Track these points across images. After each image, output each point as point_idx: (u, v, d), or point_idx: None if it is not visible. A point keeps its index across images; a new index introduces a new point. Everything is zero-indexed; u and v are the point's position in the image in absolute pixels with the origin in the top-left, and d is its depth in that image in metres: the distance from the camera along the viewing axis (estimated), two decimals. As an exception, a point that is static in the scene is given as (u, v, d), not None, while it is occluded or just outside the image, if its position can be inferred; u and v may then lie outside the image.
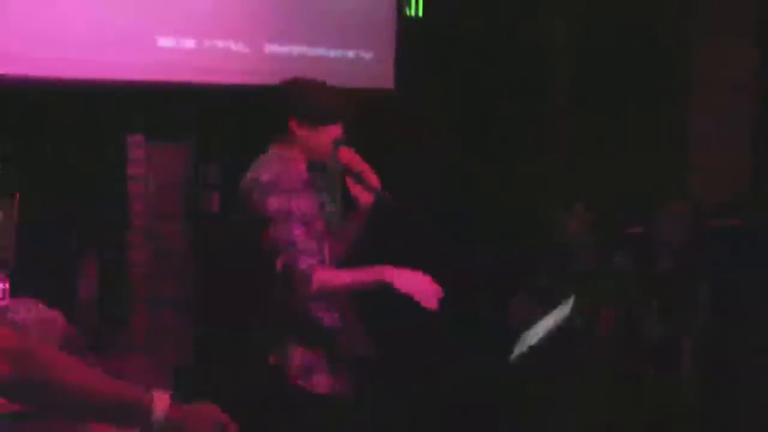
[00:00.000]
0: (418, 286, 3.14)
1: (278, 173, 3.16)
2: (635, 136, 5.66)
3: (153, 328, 4.68)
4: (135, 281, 4.65)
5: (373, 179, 3.31)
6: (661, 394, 4.14)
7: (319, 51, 4.96)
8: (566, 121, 5.86)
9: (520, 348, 3.47)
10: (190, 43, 4.59)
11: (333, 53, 5.02)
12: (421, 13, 5.47)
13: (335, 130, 3.29)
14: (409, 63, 5.32)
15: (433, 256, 5.21)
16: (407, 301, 3.10)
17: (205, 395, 2.01)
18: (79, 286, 4.48)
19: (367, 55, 5.17)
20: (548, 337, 3.41)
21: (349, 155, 3.31)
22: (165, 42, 4.52)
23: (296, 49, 4.88)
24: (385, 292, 3.11)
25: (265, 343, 3.21)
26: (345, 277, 3.14)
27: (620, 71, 5.63)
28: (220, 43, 4.67)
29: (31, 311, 3.48)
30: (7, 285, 3.44)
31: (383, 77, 5.23)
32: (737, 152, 5.40)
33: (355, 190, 3.31)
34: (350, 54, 5.10)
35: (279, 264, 3.06)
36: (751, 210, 5.08)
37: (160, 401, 1.91)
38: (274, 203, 3.10)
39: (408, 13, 5.42)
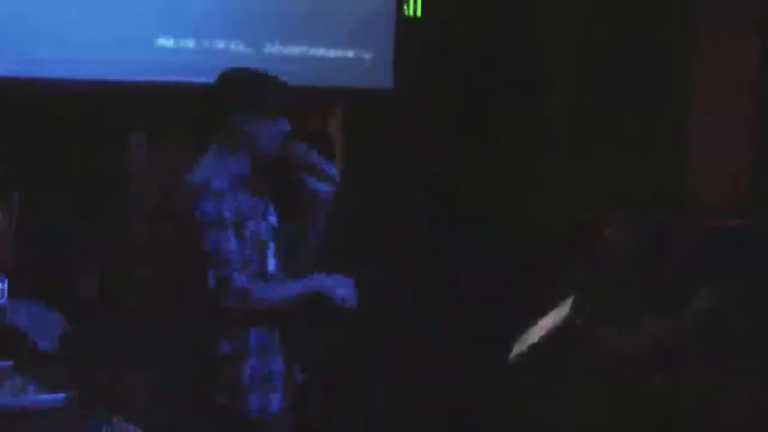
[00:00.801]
0: (352, 292, 3.05)
1: (210, 174, 2.99)
2: (635, 136, 5.66)
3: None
4: (136, 281, 4.66)
5: (329, 170, 3.12)
6: (664, 396, 4.14)
7: (319, 51, 4.96)
8: (565, 121, 5.85)
9: (519, 348, 3.48)
10: (189, 43, 4.59)
11: (332, 53, 5.02)
12: (419, 13, 5.47)
13: (283, 124, 3.08)
14: (408, 63, 5.32)
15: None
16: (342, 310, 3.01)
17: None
18: (79, 287, 4.48)
19: (367, 55, 5.17)
20: (548, 336, 3.41)
21: (300, 149, 3.11)
22: (164, 42, 4.53)
23: (296, 49, 4.89)
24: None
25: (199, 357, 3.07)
26: (282, 291, 3.03)
27: (620, 71, 5.63)
28: (219, 43, 4.68)
29: (31, 312, 3.48)
30: (6, 285, 3.44)
31: (382, 77, 5.24)
32: (738, 152, 5.40)
33: (311, 183, 3.11)
34: (350, 54, 5.10)
35: (211, 278, 2.93)
36: (753, 210, 5.08)
37: None
38: (205, 208, 2.95)
39: (407, 13, 5.42)
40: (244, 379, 3.04)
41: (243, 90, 3.09)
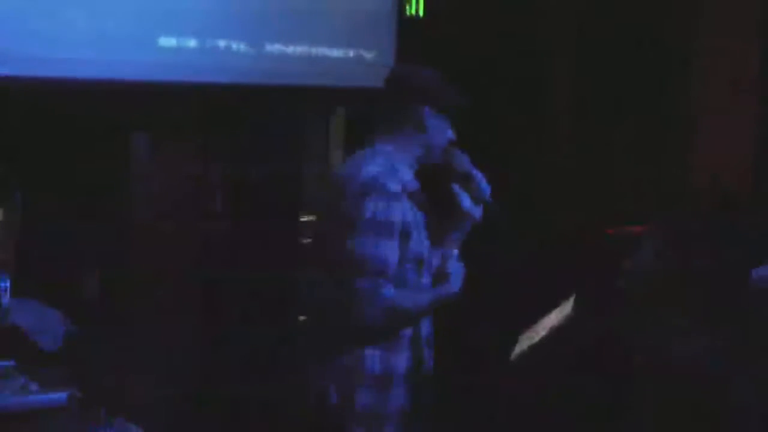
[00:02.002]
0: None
1: (382, 172, 2.66)
2: (636, 137, 5.66)
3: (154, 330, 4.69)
4: (137, 281, 4.66)
5: (485, 189, 2.85)
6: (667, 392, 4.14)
7: (320, 50, 4.96)
8: (567, 120, 5.86)
9: (520, 347, 3.48)
10: (191, 43, 4.60)
11: (333, 53, 5.02)
12: (421, 13, 5.47)
13: (449, 129, 2.84)
14: (410, 63, 5.31)
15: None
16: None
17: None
18: (80, 286, 4.48)
19: (368, 55, 5.17)
20: (549, 336, 3.41)
21: (463, 159, 2.86)
22: (166, 41, 4.53)
23: (297, 49, 4.88)
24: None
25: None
26: (419, 300, 2.69)
27: (621, 72, 5.63)
28: (221, 43, 4.68)
29: (33, 311, 3.48)
30: (9, 284, 3.44)
31: (383, 77, 5.23)
32: (740, 151, 5.40)
33: (465, 203, 2.81)
34: (351, 53, 5.10)
35: (356, 285, 2.57)
36: (753, 209, 5.07)
37: None
38: (376, 208, 2.61)
39: (408, 12, 5.42)
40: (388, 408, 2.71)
41: (433, 83, 2.84)
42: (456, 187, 2.80)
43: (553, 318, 3.49)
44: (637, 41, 5.62)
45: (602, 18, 5.70)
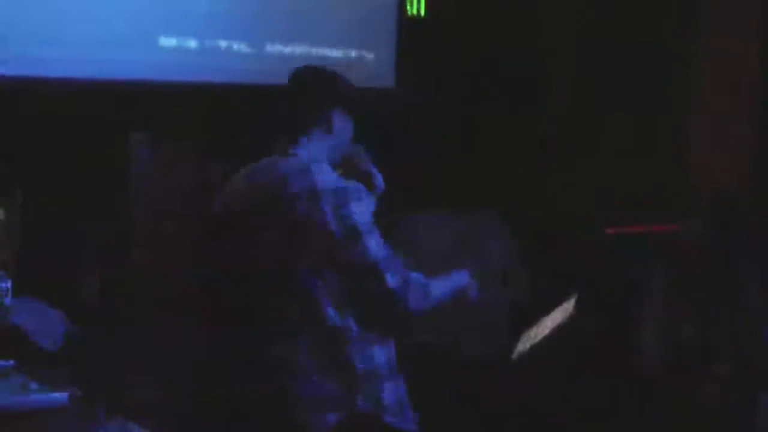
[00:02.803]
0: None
1: (334, 174, 2.80)
2: (636, 137, 5.66)
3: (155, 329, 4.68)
4: (137, 281, 4.65)
5: (379, 182, 3.01)
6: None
7: (321, 50, 4.96)
8: (566, 120, 5.85)
9: (522, 347, 3.47)
10: (191, 43, 4.60)
11: (335, 53, 5.02)
12: (422, 13, 5.47)
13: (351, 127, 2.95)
14: (411, 62, 5.32)
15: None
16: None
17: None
18: (81, 286, 4.48)
19: (369, 55, 5.17)
20: (550, 336, 3.41)
21: (364, 155, 3.01)
22: (166, 41, 4.53)
23: (298, 49, 4.89)
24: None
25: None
26: (445, 288, 2.84)
27: (622, 72, 5.62)
28: (221, 43, 4.68)
29: (33, 311, 3.48)
30: (10, 284, 3.44)
31: (384, 77, 5.24)
32: (739, 152, 5.40)
33: (378, 177, 3.00)
34: (352, 53, 5.10)
35: (391, 281, 2.68)
36: (752, 209, 5.07)
37: None
38: (362, 211, 2.74)
39: (409, 12, 5.42)
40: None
41: (341, 85, 2.94)
42: (371, 167, 2.98)
43: (554, 318, 3.49)
44: (636, 41, 5.62)
45: (602, 18, 5.70)
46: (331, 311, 2.72)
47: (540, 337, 3.45)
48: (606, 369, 4.60)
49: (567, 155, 5.79)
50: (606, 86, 5.66)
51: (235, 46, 4.71)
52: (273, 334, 2.78)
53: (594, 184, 5.53)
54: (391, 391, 2.76)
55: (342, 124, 2.92)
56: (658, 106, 5.64)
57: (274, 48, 4.82)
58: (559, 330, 3.39)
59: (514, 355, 3.47)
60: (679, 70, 5.60)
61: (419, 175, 5.40)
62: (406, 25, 5.34)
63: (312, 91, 2.93)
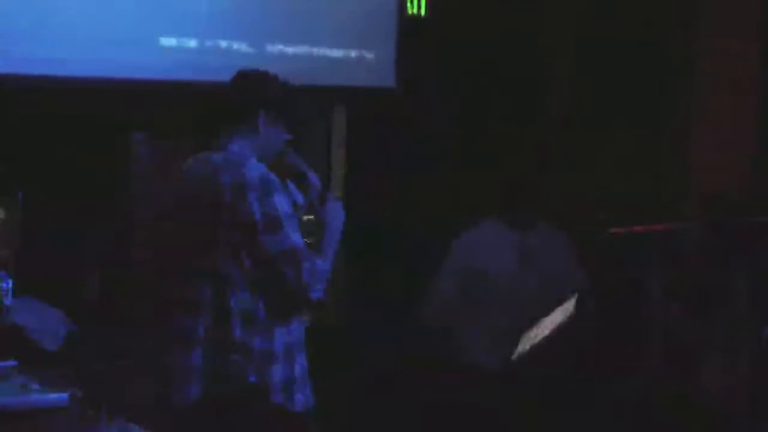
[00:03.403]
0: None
1: (262, 169, 2.99)
2: (637, 137, 5.66)
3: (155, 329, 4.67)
4: (137, 281, 4.65)
5: (315, 181, 3.18)
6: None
7: (321, 50, 4.96)
8: (568, 120, 5.85)
9: (522, 347, 3.48)
10: (191, 43, 4.60)
11: (335, 53, 5.02)
12: (422, 12, 5.47)
13: (284, 132, 3.16)
14: (411, 62, 5.32)
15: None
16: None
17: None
18: (81, 286, 4.48)
19: (369, 55, 5.17)
20: (551, 336, 3.41)
21: (293, 158, 3.19)
22: (167, 41, 4.53)
23: (298, 49, 4.89)
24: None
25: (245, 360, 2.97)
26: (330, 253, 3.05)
27: (622, 72, 5.62)
28: (222, 43, 4.68)
29: (34, 311, 3.48)
30: (10, 284, 3.44)
31: (385, 77, 5.24)
32: (739, 152, 5.39)
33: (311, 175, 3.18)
34: (352, 53, 5.10)
35: (303, 273, 2.89)
36: (752, 209, 5.07)
37: None
38: (280, 202, 2.93)
39: (409, 11, 5.42)
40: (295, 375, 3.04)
41: (266, 90, 3.14)
42: (304, 166, 3.17)
43: (554, 318, 3.49)
44: (636, 41, 5.62)
45: (602, 18, 5.70)
46: (244, 294, 2.94)
47: (540, 337, 3.45)
48: (606, 369, 4.60)
49: (566, 154, 5.78)
50: (606, 86, 5.66)
51: (235, 46, 4.71)
52: (184, 310, 2.99)
53: (593, 184, 5.53)
54: (281, 372, 2.98)
55: (268, 126, 3.10)
56: (658, 107, 5.64)
57: (274, 48, 4.82)
58: (559, 330, 3.40)
59: (515, 356, 3.47)
60: (679, 70, 5.60)
61: (419, 175, 5.41)
62: (406, 25, 5.34)
63: (238, 93, 3.15)
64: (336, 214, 3.13)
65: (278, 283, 2.92)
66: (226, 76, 4.67)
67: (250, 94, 3.12)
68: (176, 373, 2.98)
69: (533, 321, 3.84)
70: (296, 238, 2.93)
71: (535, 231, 4.52)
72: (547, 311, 3.89)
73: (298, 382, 3.03)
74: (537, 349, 3.63)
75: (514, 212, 4.53)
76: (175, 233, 3.09)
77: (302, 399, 3.04)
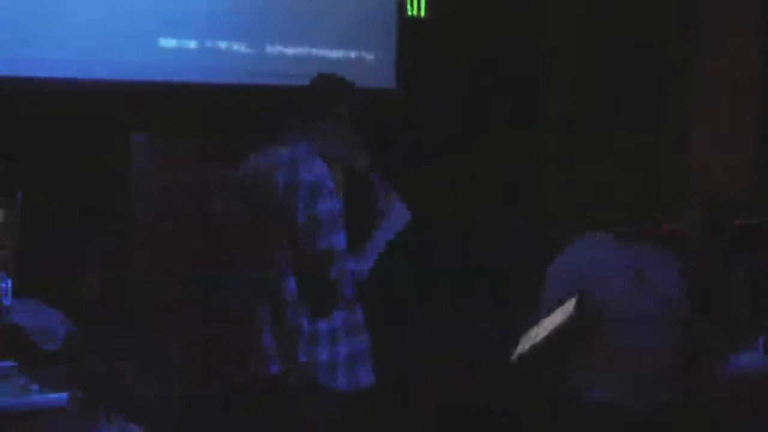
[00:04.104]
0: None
1: (326, 171, 3.17)
2: (637, 137, 5.66)
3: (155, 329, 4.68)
4: (137, 281, 4.66)
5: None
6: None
7: (321, 51, 4.97)
8: (566, 120, 5.86)
9: (522, 347, 3.48)
10: (191, 43, 4.60)
11: (334, 54, 5.03)
12: (422, 14, 5.48)
13: None
14: (411, 63, 5.32)
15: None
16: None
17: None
18: (81, 286, 4.48)
19: (369, 56, 5.17)
20: (550, 336, 3.41)
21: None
22: (166, 42, 4.53)
23: (298, 50, 4.89)
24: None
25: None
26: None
27: (623, 72, 5.63)
28: (221, 44, 4.68)
29: (34, 311, 3.48)
30: (9, 284, 3.44)
31: (385, 78, 5.24)
32: (739, 152, 5.40)
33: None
34: (352, 54, 5.11)
35: (322, 270, 3.12)
36: (753, 209, 5.08)
37: None
38: (324, 207, 3.12)
39: (409, 13, 5.43)
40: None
41: (347, 93, 3.32)
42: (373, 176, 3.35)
43: (554, 318, 3.49)
44: (636, 42, 5.62)
45: (602, 18, 5.70)
46: (292, 281, 3.17)
47: (540, 337, 3.45)
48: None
49: (566, 155, 5.79)
50: (606, 86, 5.66)
51: (235, 47, 4.72)
52: (243, 296, 3.26)
53: (593, 184, 5.53)
54: (325, 354, 3.19)
55: (340, 128, 3.27)
56: (658, 107, 5.64)
57: (274, 48, 4.83)
58: (559, 330, 3.40)
59: (514, 356, 3.48)
60: (679, 70, 5.60)
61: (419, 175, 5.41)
62: (406, 25, 5.34)
63: (320, 92, 3.31)
64: (400, 215, 3.36)
65: (313, 279, 3.15)
66: (225, 77, 4.73)
67: (330, 96, 3.28)
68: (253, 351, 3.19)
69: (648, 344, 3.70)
70: (336, 240, 3.13)
71: (643, 247, 4.10)
72: (662, 335, 3.79)
73: (343, 364, 3.22)
74: (537, 348, 3.63)
75: (622, 227, 4.16)
76: (239, 220, 3.26)
77: (346, 380, 3.23)
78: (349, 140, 3.29)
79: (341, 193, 3.25)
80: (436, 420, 4.77)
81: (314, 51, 4.94)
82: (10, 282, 3.43)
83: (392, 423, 4.63)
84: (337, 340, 3.22)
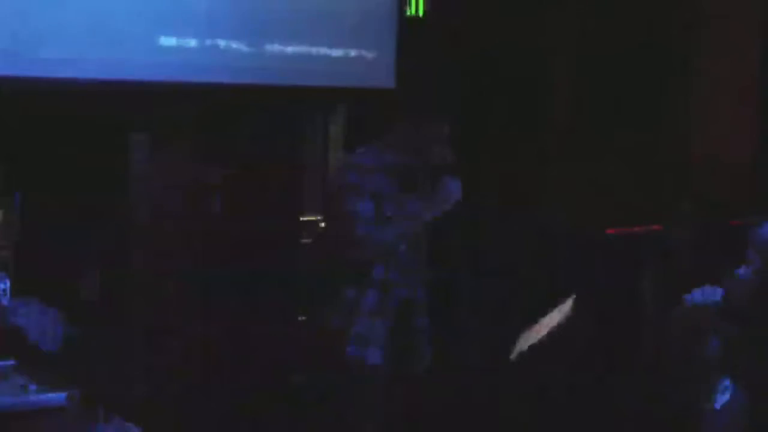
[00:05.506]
0: None
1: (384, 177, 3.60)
2: (637, 137, 5.66)
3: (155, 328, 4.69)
4: (137, 281, 4.66)
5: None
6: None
7: (321, 50, 4.97)
8: (567, 120, 5.86)
9: (520, 347, 3.48)
10: (191, 43, 4.60)
11: (334, 53, 5.03)
12: (421, 13, 5.48)
13: None
14: (410, 62, 5.32)
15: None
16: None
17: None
18: (81, 286, 4.49)
19: (369, 55, 5.17)
20: (549, 336, 3.41)
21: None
22: (166, 41, 4.54)
23: (297, 49, 4.89)
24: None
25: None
26: None
27: (623, 72, 5.63)
28: (221, 43, 4.68)
29: (32, 311, 3.48)
30: (8, 284, 3.44)
31: (384, 77, 5.24)
32: (739, 152, 5.40)
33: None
34: (352, 53, 5.11)
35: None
36: (753, 210, 5.08)
37: None
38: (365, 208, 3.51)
39: (409, 12, 5.43)
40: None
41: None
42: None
43: (552, 318, 3.49)
44: (636, 42, 5.62)
45: (602, 18, 5.70)
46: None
47: (538, 337, 3.46)
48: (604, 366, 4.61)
49: (567, 155, 5.79)
50: (606, 86, 5.67)
51: (235, 46, 4.71)
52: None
53: (593, 183, 5.53)
54: (359, 327, 3.45)
55: (418, 131, 3.88)
56: (658, 107, 5.64)
57: (274, 48, 4.83)
58: (557, 330, 3.40)
59: (513, 356, 3.48)
60: (679, 70, 5.61)
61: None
62: (406, 25, 5.35)
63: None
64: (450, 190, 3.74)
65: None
66: (225, 76, 4.73)
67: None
68: None
69: None
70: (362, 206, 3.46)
71: None
72: None
73: (375, 339, 3.43)
74: (536, 348, 3.63)
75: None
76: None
77: (377, 354, 3.43)
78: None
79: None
80: (435, 420, 4.78)
81: (314, 50, 4.94)
82: (8, 282, 3.43)
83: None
84: (374, 316, 3.45)
